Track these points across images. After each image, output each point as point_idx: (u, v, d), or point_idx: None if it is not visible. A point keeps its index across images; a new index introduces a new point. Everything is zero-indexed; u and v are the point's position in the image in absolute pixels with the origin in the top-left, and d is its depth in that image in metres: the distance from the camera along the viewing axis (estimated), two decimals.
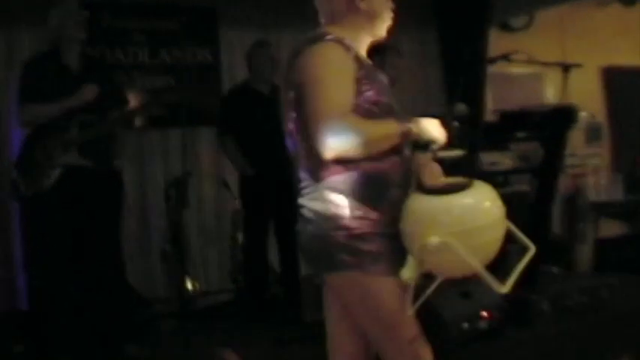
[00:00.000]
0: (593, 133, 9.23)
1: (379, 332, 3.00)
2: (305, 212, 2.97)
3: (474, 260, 2.71)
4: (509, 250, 2.95)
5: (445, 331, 4.63)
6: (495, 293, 4.59)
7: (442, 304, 4.67)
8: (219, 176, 6.97)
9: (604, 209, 9.21)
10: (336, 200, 2.87)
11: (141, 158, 6.92)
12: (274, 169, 6.10)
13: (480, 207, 2.82)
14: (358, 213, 2.85)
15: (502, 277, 2.86)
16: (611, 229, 9.22)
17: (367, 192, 2.88)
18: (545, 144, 5.94)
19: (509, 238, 2.95)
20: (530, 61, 6.15)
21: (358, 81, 2.87)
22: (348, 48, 2.90)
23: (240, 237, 6.61)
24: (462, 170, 6.22)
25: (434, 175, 3.18)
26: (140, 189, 6.87)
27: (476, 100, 6.72)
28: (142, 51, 6.99)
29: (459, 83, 6.08)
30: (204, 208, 7.12)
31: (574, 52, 7.66)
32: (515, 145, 6.41)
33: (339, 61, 2.87)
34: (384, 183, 2.91)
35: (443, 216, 2.76)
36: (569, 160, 7.29)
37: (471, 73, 7.14)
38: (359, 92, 2.87)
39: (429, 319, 4.52)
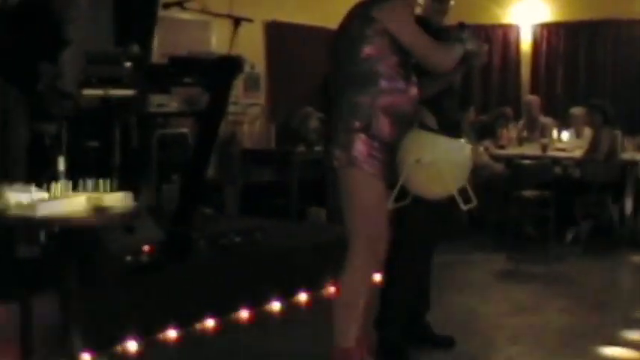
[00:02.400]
0: (252, 83, 9.66)
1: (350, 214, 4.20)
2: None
3: (452, 182, 4.11)
4: None
5: (110, 263, 4.81)
6: (157, 230, 4.90)
7: (108, 237, 4.84)
8: None
9: (255, 156, 9.70)
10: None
11: None
12: None
13: (466, 152, 4.33)
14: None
15: None
16: (261, 175, 9.71)
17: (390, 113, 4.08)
18: (210, 90, 6.15)
19: None
20: (204, 11, 6.36)
21: None
22: None
23: None
24: (132, 109, 6.40)
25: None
26: None
27: (146, 43, 6.82)
28: None
29: (132, 24, 6.18)
30: None
31: (241, 5, 7.95)
32: (182, 89, 6.61)
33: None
34: (401, 111, 4.11)
35: (441, 147, 4.18)
36: (230, 108, 7.59)
37: (143, 15, 7.23)
38: None
39: (96, 251, 4.72)
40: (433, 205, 4.46)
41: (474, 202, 4.20)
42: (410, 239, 4.80)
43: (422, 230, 4.76)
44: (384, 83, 4.07)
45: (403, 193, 4.23)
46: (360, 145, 4.06)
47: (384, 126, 4.07)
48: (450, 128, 4.58)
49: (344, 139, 4.09)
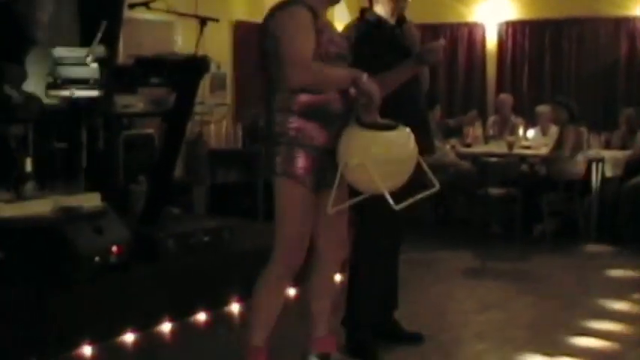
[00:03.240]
0: (218, 83, 9.65)
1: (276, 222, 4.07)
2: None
3: (380, 182, 3.78)
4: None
5: (78, 264, 4.80)
6: (125, 230, 4.90)
7: (76, 237, 4.82)
8: None
9: (222, 156, 9.71)
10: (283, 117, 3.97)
11: None
12: None
13: (399, 144, 3.94)
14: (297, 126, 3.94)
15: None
16: (228, 175, 9.72)
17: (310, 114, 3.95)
18: (176, 91, 6.16)
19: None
20: (170, 11, 6.35)
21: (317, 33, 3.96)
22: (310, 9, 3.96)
23: None
24: (98, 110, 6.38)
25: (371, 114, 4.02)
26: None
27: (112, 43, 6.80)
28: None
29: (98, 25, 6.15)
30: None
31: (207, 5, 7.96)
32: (148, 90, 6.61)
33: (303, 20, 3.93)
34: (325, 111, 3.96)
35: (369, 145, 3.85)
36: (197, 108, 7.60)
37: (109, 15, 7.19)
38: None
39: (64, 252, 4.71)
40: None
41: (437, 186, 4.08)
42: (372, 237, 4.82)
43: (384, 227, 4.78)
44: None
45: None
46: (283, 153, 3.98)
47: (308, 130, 3.98)
48: (415, 119, 4.61)
49: (269, 147, 4.05)
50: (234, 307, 5.75)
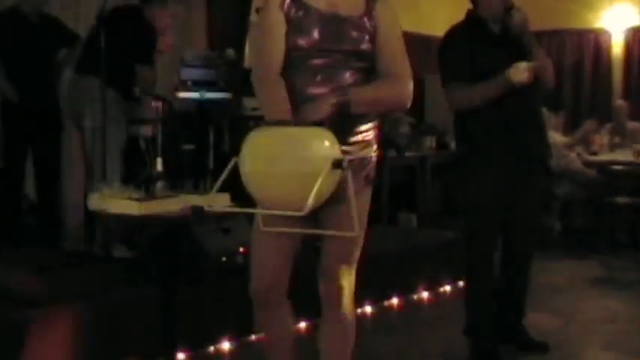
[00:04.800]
0: None
1: None
2: None
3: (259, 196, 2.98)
4: None
5: (206, 263, 4.87)
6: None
7: (205, 237, 4.90)
8: None
9: None
10: None
11: None
12: (37, 97, 6.11)
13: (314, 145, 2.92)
14: None
15: None
16: None
17: None
18: None
19: None
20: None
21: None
22: None
23: None
24: (226, 113, 6.48)
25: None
26: None
27: (239, 47, 6.90)
28: None
29: (225, 29, 6.27)
30: None
31: None
32: None
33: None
34: None
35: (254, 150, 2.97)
36: None
37: (236, 19, 7.32)
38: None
39: (193, 251, 4.79)
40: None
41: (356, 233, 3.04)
42: (474, 242, 4.81)
43: (485, 231, 4.76)
44: None
45: None
46: None
47: None
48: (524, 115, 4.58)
49: None
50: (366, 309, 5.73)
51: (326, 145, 2.91)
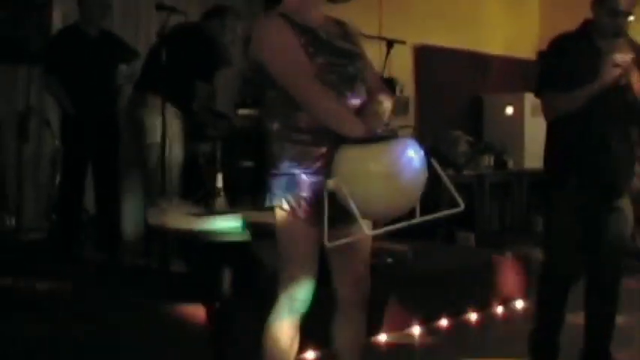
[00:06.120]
0: (401, 106, 9.65)
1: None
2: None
3: (353, 205, 3.07)
4: None
5: (264, 272, 4.88)
6: None
7: (263, 253, 4.91)
8: (41, 115, 6.92)
9: None
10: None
11: None
12: (96, 111, 6.18)
13: (377, 157, 3.11)
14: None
15: None
16: None
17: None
18: None
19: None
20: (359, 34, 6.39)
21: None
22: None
23: (57, 176, 6.63)
24: None
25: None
26: None
27: None
28: None
29: None
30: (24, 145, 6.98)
31: (391, 28, 7.98)
32: None
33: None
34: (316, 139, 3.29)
35: (343, 164, 3.15)
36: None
37: None
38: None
39: (251, 267, 4.80)
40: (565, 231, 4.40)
41: (462, 206, 3.38)
42: (548, 264, 4.67)
43: (559, 254, 4.57)
44: None
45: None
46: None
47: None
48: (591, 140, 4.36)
49: None
50: (408, 331, 5.68)
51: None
